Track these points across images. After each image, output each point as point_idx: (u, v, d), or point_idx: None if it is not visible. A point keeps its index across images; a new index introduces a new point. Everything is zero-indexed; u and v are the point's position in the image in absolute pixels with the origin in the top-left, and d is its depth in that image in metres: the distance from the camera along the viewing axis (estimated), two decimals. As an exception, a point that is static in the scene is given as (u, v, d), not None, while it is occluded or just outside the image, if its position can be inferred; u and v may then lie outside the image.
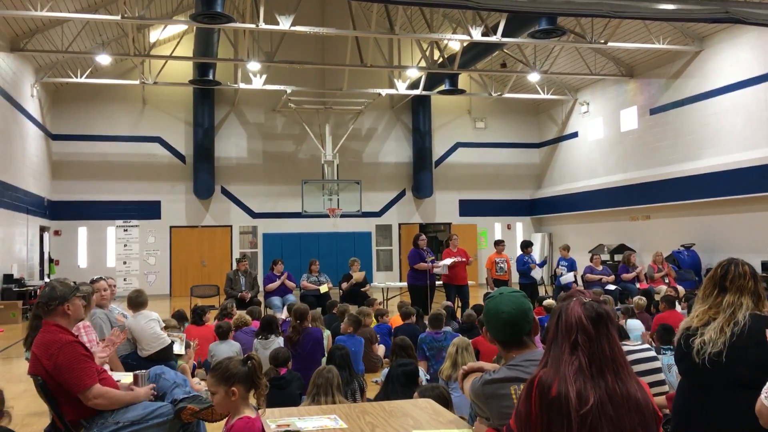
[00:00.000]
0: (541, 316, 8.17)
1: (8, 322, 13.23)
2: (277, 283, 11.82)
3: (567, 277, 12.65)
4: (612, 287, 12.48)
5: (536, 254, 15.35)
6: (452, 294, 11.27)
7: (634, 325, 7.59)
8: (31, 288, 14.60)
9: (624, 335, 5.32)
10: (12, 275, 14.38)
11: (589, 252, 15.63)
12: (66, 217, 19.02)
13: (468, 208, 22.03)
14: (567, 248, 13.72)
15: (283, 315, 10.08)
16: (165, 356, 5.73)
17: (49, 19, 14.02)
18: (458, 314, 10.17)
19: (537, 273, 12.63)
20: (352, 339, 6.90)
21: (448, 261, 11.17)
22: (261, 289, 12.46)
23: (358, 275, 12.35)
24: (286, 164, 20.56)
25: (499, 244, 12.78)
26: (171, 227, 19.91)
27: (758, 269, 10.43)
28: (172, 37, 18.95)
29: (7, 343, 10.88)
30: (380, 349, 7.80)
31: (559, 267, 12.97)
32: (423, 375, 6.03)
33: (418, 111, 21.31)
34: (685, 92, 16.07)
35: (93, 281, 6.12)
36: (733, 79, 14.57)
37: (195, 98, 19.62)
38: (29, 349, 4.07)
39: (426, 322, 7.69)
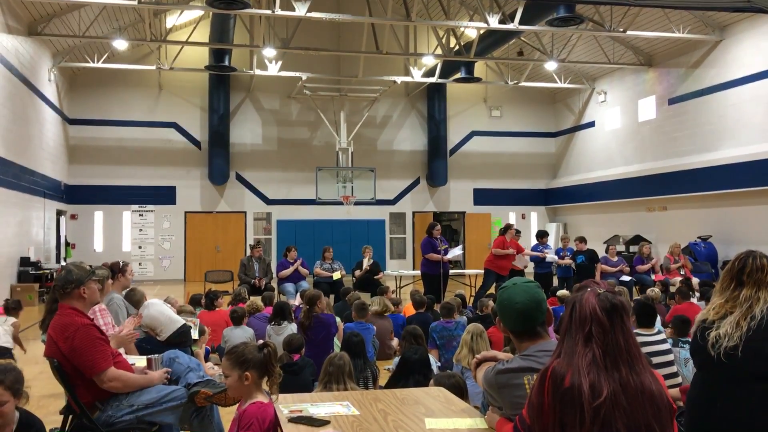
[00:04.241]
0: (555, 306, 8.13)
1: (25, 305, 13.27)
2: (290, 269, 11.87)
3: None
4: (627, 278, 12.42)
5: (551, 244, 15.27)
6: (491, 281, 11.24)
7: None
8: (48, 271, 14.74)
9: (650, 323, 5.25)
10: (29, 258, 14.53)
11: (605, 243, 15.55)
12: (82, 201, 19.18)
13: (482, 197, 21.96)
14: (568, 238, 13.92)
15: (296, 302, 10.11)
16: (184, 341, 5.76)
17: (67, 3, 14.06)
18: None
19: (552, 257, 12.53)
20: (361, 325, 6.91)
21: (459, 250, 11.18)
22: (274, 275, 12.51)
23: (368, 263, 12.39)
24: (300, 151, 20.58)
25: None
26: (186, 212, 20.02)
27: (776, 262, 10.23)
28: (188, 23, 18.97)
29: (23, 326, 10.99)
30: (395, 341, 7.80)
31: (565, 256, 12.87)
32: (434, 363, 6.03)
33: (433, 99, 21.22)
34: (705, 82, 15.86)
35: (125, 264, 6.25)
36: (754, 69, 14.36)
37: (210, 84, 19.66)
38: (46, 332, 4.11)
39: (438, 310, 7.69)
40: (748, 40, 14.63)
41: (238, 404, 3.14)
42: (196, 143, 20.08)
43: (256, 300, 8.10)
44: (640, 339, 4.63)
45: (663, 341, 4.91)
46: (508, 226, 11.63)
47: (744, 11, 12.12)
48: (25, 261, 14.35)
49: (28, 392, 3.17)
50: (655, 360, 4.61)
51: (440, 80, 18.57)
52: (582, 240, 12.90)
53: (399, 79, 18.69)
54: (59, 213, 18.00)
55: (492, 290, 11.21)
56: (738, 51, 14.91)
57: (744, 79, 14.63)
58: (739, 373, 2.79)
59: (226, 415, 4.22)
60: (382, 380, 5.59)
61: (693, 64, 16.30)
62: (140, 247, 19.76)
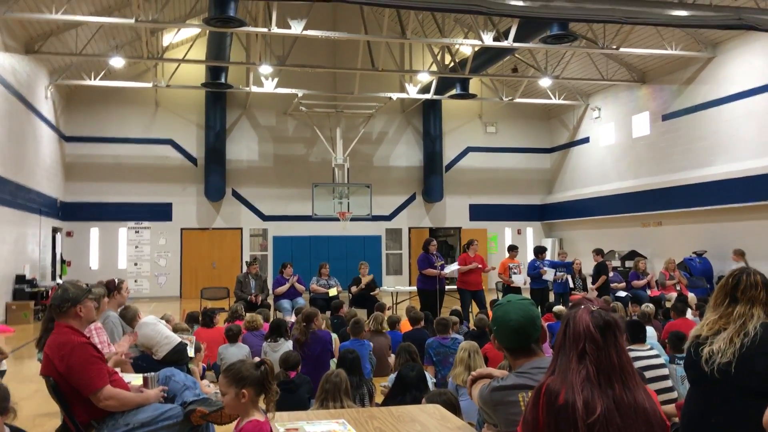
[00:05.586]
0: (551, 322, 8.14)
1: (20, 323, 13.34)
2: (286, 286, 11.86)
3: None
4: (623, 294, 12.44)
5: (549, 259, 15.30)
6: (467, 299, 11.26)
7: (649, 333, 7.53)
8: (43, 289, 14.70)
9: (642, 339, 5.28)
10: (24, 276, 14.48)
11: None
12: (78, 218, 19.16)
13: (478, 212, 22.00)
14: (565, 254, 14.07)
15: (293, 318, 10.10)
16: (180, 359, 5.75)
17: (64, 21, 14.14)
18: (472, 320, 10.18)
19: (549, 275, 12.55)
20: (357, 342, 6.90)
21: (455, 266, 11.21)
22: (271, 292, 12.49)
23: (367, 278, 12.39)
24: (296, 167, 20.62)
25: (512, 249, 12.77)
26: (182, 229, 20.01)
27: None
28: (185, 41, 19.06)
29: (18, 344, 10.96)
30: (392, 358, 7.79)
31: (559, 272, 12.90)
32: (430, 380, 6.02)
33: (429, 115, 21.33)
34: (698, 98, 15.99)
35: (121, 281, 6.28)
36: (746, 85, 14.49)
37: (207, 101, 19.73)
38: (42, 350, 4.11)
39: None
40: (740, 56, 14.78)
41: (235, 422, 3.14)
42: (193, 160, 20.12)
43: (257, 317, 8.05)
44: (633, 354, 4.67)
45: (656, 356, 4.94)
46: (470, 242, 11.68)
47: (735, 28, 12.26)
48: (20, 279, 14.30)
49: (15, 408, 3.15)
50: (648, 374, 4.63)
51: (435, 97, 18.70)
52: (598, 252, 13.32)
53: (394, 96, 18.80)
54: (55, 230, 17.97)
55: (474, 307, 11.28)
56: (730, 68, 15.05)
57: (737, 95, 14.76)
58: (732, 389, 2.80)
59: (223, 433, 4.22)
60: (379, 398, 5.58)
61: (686, 81, 16.44)
62: (136, 264, 19.71)
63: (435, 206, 21.75)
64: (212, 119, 19.73)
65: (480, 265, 11.32)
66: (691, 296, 11.31)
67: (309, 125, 20.16)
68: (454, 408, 3.79)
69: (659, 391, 4.55)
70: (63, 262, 18.48)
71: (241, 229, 20.45)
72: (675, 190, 16.25)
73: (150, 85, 17.73)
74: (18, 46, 14.63)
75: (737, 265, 12.55)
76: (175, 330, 6.48)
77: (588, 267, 14.01)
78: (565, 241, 21.52)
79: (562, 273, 12.65)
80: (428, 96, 18.63)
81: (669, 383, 4.81)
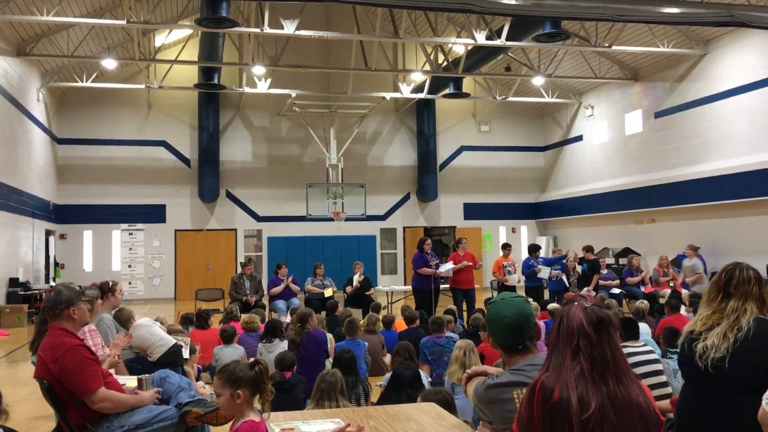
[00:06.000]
0: (546, 320, 8.15)
1: (14, 326, 13.28)
2: (281, 286, 11.85)
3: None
4: (617, 291, 12.47)
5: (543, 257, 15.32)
6: (459, 298, 11.28)
7: (643, 329, 7.55)
8: (37, 291, 14.63)
9: (635, 335, 5.30)
10: (17, 279, 14.43)
11: (594, 255, 15.59)
12: (71, 220, 19.09)
13: (473, 211, 22.02)
14: (560, 251, 14.18)
15: (288, 319, 10.09)
16: (175, 360, 5.74)
17: (55, 23, 14.08)
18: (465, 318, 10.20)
19: (544, 273, 12.54)
20: (352, 342, 6.90)
21: (450, 265, 11.21)
22: (266, 292, 12.48)
23: (359, 279, 12.41)
24: (290, 168, 20.60)
25: (506, 247, 12.79)
26: (176, 231, 19.96)
27: (763, 273, 10.35)
28: (177, 42, 19.02)
29: (12, 347, 10.92)
30: (387, 357, 7.80)
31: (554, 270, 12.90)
32: (425, 378, 6.03)
33: (422, 114, 21.33)
34: (690, 95, 16.05)
35: (114, 284, 6.26)
36: (738, 82, 14.55)
37: (200, 102, 19.69)
38: (35, 353, 4.09)
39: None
40: (732, 53, 14.83)
41: (231, 423, 3.13)
42: (186, 161, 20.07)
43: (255, 318, 8.02)
44: (626, 350, 4.69)
45: (650, 351, 4.96)
46: (459, 241, 11.71)
47: (727, 25, 12.31)
48: (13, 282, 14.24)
49: (8, 410, 3.14)
50: (642, 369, 4.65)
51: (429, 96, 18.70)
52: (588, 249, 13.34)
53: (388, 96, 18.79)
54: (48, 233, 17.90)
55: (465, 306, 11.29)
56: (722, 64, 15.10)
57: (729, 92, 14.81)
58: (726, 385, 2.81)
59: (218, 434, 4.21)
60: (374, 396, 5.58)
61: (678, 78, 16.49)
62: (130, 266, 19.66)
63: (429, 205, 21.76)
64: (205, 120, 19.69)
65: (470, 263, 11.33)
66: (685, 293, 11.35)
67: (303, 125, 20.14)
68: (449, 406, 3.79)
69: (653, 387, 4.56)
70: (56, 264, 18.42)
71: (235, 230, 20.41)
72: (668, 187, 16.30)
73: (142, 86, 17.67)
74: (9, 49, 14.57)
75: (690, 262, 12.63)
76: (169, 332, 6.46)
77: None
78: (559, 239, 21.57)
79: (557, 271, 12.67)
80: (422, 95, 18.64)
81: (663, 378, 4.83)
